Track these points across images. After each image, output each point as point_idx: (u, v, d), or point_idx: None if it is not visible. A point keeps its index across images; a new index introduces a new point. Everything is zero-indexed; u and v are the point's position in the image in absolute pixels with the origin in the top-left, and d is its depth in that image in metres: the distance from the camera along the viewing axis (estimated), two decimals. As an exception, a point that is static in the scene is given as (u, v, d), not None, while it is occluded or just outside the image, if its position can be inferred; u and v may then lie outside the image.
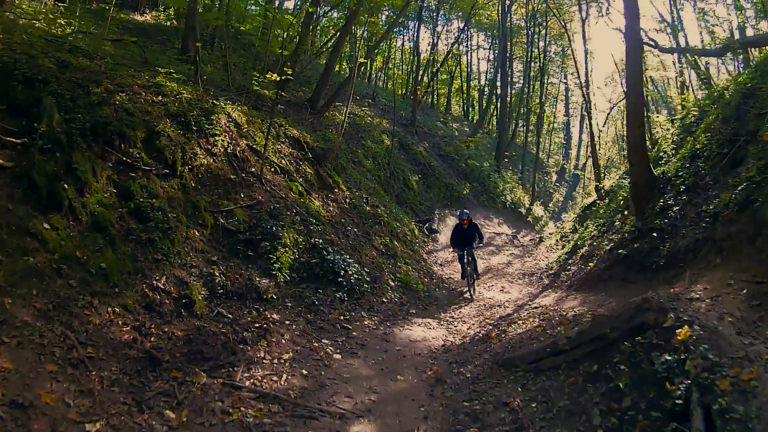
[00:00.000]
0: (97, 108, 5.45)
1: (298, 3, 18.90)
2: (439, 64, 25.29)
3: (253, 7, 14.67)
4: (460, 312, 7.15)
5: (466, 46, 31.89)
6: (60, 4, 9.07)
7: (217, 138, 6.46)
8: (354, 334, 5.48)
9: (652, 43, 12.25)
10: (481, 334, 5.77)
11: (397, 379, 4.52)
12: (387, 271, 7.57)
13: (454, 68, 30.72)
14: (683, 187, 6.14)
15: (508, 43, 23.90)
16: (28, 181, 4.50)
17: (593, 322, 4.20)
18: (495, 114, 28.50)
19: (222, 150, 6.45)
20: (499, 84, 24.12)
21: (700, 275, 4.23)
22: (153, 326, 4.39)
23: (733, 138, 6.00)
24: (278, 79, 7.03)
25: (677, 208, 5.84)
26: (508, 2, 23.13)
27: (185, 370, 3.90)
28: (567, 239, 11.19)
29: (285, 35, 10.67)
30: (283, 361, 4.40)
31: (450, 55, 27.17)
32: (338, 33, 14.19)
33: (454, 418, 3.74)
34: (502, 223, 17.03)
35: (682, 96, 12.26)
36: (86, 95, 5.48)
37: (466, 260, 8.01)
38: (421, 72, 23.42)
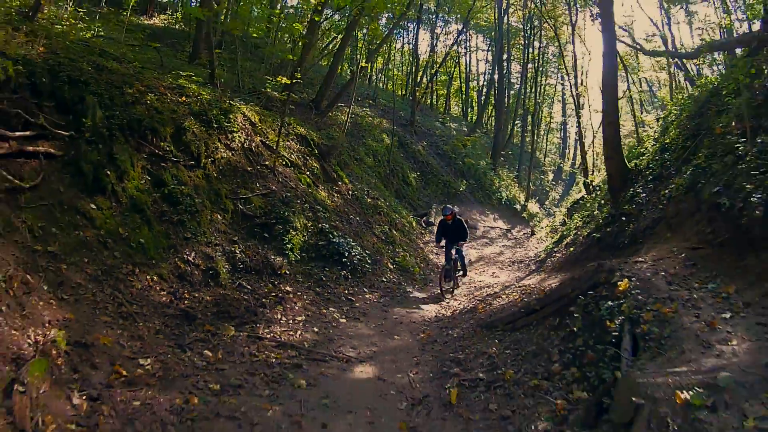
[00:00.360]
0: (131, 106, 6.20)
1: (300, 5, 19.64)
2: (437, 66, 26.04)
3: (257, 12, 15.37)
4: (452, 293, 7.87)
5: (465, 48, 32.68)
6: (79, 9, 9.82)
7: (234, 134, 7.22)
8: (357, 305, 6.22)
9: (637, 46, 13.00)
10: (469, 307, 6.51)
11: (395, 339, 5.26)
12: (386, 256, 8.31)
13: (452, 69, 31.45)
14: (651, 177, 6.88)
15: (505, 46, 24.66)
16: (75, 168, 5.26)
17: (559, 285, 4.94)
18: (493, 114, 29.24)
19: (239, 145, 7.21)
20: (496, 85, 24.81)
21: (653, 247, 4.96)
22: (185, 292, 5.13)
23: (695, 132, 6.74)
24: (288, 82, 7.79)
25: (644, 194, 6.58)
26: (504, 5, 23.97)
27: (216, 325, 4.64)
28: (556, 231, 11.92)
29: (292, 42, 11.39)
30: (296, 321, 5.14)
31: (448, 57, 27.91)
32: (340, 36, 14.94)
33: (441, 364, 4.47)
34: (497, 218, 17.75)
35: (665, 96, 13.00)
36: (121, 95, 6.22)
37: (451, 261, 7.79)
38: (420, 74, 24.19)
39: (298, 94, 13.15)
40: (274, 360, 4.15)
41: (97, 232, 4.99)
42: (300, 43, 11.55)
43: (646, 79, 20.58)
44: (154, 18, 15.65)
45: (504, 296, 6.65)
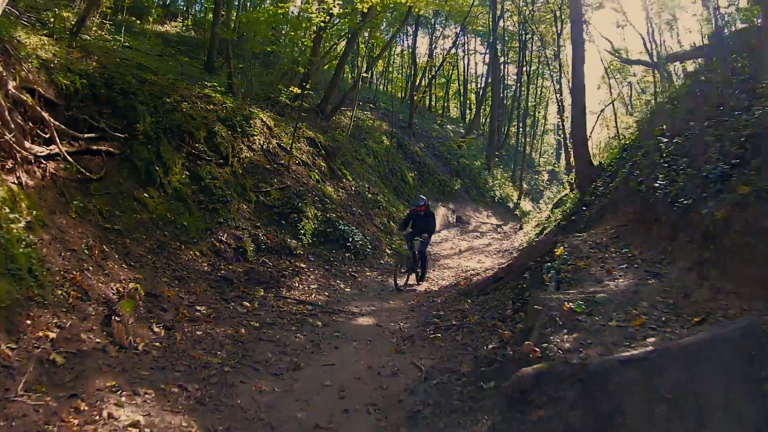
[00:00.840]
0: (171, 113, 7.47)
1: (305, 14, 20.89)
2: (436, 69, 27.31)
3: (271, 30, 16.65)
4: (441, 275, 9.14)
5: (464, 51, 33.96)
6: (106, 22, 11.05)
7: (255, 137, 8.51)
8: (359, 280, 7.50)
9: (616, 55, 14.27)
10: (453, 283, 7.78)
11: (390, 303, 6.54)
12: (384, 243, 9.58)
13: (450, 72, 32.69)
14: (609, 173, 8.13)
15: (499, 50, 25.94)
16: (131, 164, 6.54)
17: (519, 256, 6.20)
18: (490, 116, 30.49)
19: (259, 146, 8.50)
20: (490, 89, 26.08)
21: (596, 227, 6.22)
22: (221, 264, 6.41)
23: (647, 134, 7.99)
24: (299, 92, 9.09)
25: (602, 187, 7.84)
26: (499, 12, 25.26)
27: (248, 288, 5.92)
28: (540, 225, 13.17)
29: (300, 53, 12.68)
30: (310, 288, 6.42)
31: (446, 61, 29.15)
32: (344, 41, 16.23)
33: (426, 318, 5.74)
34: (490, 215, 19.02)
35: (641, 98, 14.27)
36: (162, 104, 7.49)
37: (415, 250, 7.59)
38: (418, 78, 25.48)
39: (306, 99, 14.45)
40: (296, 311, 5.43)
41: (150, 215, 6.27)
42: (307, 54, 12.85)
43: (630, 83, 21.85)
44: (166, 25, 16.90)
45: (483, 273, 7.91)
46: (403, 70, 32.45)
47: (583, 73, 9.24)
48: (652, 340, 2.96)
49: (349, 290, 6.85)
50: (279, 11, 10.31)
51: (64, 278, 4.28)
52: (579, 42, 9.18)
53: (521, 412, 2.47)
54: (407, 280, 7.59)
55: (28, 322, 3.67)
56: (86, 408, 2.97)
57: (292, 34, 11.89)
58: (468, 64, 35.39)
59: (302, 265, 7.20)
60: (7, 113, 4.72)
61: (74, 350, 3.60)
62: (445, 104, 33.55)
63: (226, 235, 6.86)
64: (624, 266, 4.38)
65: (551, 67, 30.62)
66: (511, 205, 21.35)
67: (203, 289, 5.53)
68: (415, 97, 22.75)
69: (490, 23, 26.13)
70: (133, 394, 3.22)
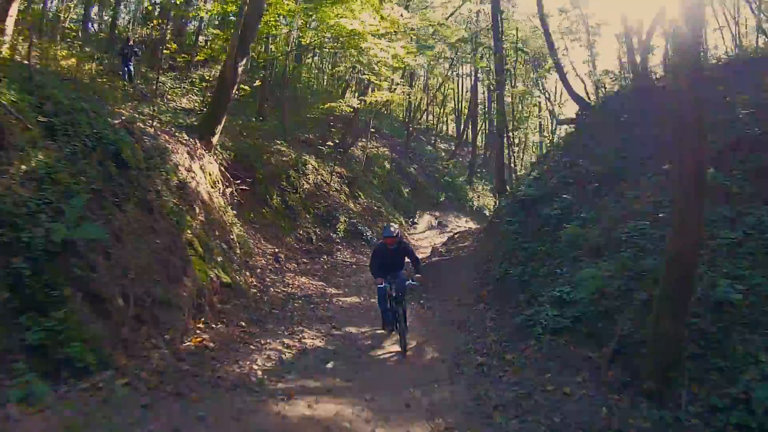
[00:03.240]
0: (267, 165, 14.12)
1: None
2: (433, 91, 33.64)
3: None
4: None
5: (458, 74, 40.49)
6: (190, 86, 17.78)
7: (308, 176, 15.17)
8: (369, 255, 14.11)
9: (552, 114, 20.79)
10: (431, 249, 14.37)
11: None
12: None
13: (445, 93, 39.07)
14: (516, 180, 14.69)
15: (479, 81, 32.48)
16: (255, 195, 13.24)
17: (458, 234, 12.82)
18: (484, 133, 36.95)
19: (311, 181, 15.17)
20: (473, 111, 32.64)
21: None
22: (301, 245, 13.01)
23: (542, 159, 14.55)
24: (336, 142, 15.75)
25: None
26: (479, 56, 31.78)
27: (315, 256, 12.54)
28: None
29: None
30: (345, 257, 13.06)
31: (442, 85, 35.59)
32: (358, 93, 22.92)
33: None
34: (468, 221, 25.51)
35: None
36: (263, 161, 14.14)
37: (389, 301, 6.33)
38: (414, 106, 31.99)
39: (331, 137, 21.16)
40: (342, 263, 12.06)
41: (268, 221, 12.95)
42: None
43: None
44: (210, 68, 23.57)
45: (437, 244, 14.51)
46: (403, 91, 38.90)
47: (503, 99, 15.83)
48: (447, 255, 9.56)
49: (365, 259, 13.42)
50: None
51: (253, 245, 10.90)
52: (501, 83, 15.75)
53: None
54: (403, 343, 6.21)
55: (250, 262, 10.28)
56: (288, 279, 9.59)
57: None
58: (463, 84, 41.91)
59: (339, 247, 13.81)
60: (218, 171, 11.39)
61: (270, 268, 10.23)
62: (442, 121, 40.08)
63: (301, 230, 13.51)
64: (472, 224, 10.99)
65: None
66: (487, 213, 27.84)
67: (299, 255, 12.16)
68: (411, 127, 29.42)
69: (470, 52, 32.71)
70: (294, 275, 9.85)
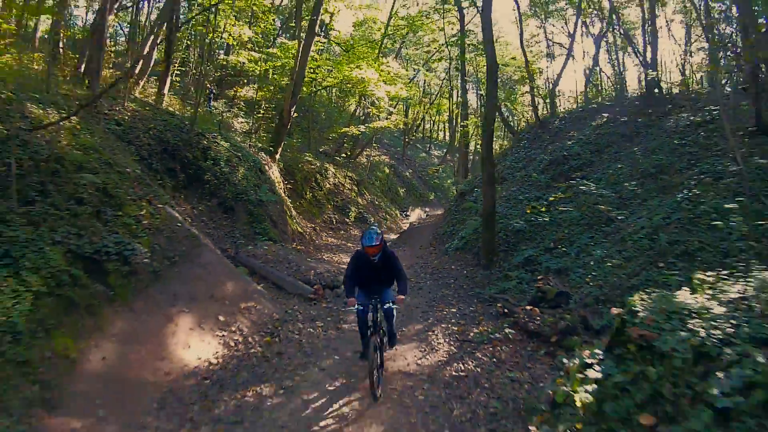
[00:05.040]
0: (302, 171, 20.97)
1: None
2: (430, 102, 40.54)
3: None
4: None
5: (450, 86, 47.30)
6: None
7: (329, 178, 22.04)
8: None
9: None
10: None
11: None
12: (382, 223, 22.99)
13: (440, 102, 45.91)
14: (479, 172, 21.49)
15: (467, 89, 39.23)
16: (296, 192, 20.18)
17: (430, 215, 19.62)
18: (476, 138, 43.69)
19: (332, 182, 22.05)
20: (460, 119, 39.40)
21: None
22: (329, 224, 19.81)
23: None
24: (350, 153, 22.60)
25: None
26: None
27: (338, 231, 19.36)
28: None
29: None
30: (354, 232, 19.89)
31: (438, 97, 42.47)
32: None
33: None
34: (453, 214, 32.29)
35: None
36: (299, 166, 20.99)
37: (370, 324, 5.11)
38: (410, 121, 38.84)
39: (344, 151, 28.02)
40: (352, 236, 18.90)
41: (305, 208, 19.86)
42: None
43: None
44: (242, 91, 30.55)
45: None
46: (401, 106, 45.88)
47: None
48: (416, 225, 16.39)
49: (370, 235, 20.24)
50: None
51: (299, 222, 17.76)
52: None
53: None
54: (373, 381, 4.86)
55: (299, 230, 17.12)
56: (322, 239, 16.46)
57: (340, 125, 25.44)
58: (452, 97, 48.74)
59: (350, 227, 20.62)
60: (279, 174, 18.31)
61: (313, 227, 17.10)
62: (436, 128, 46.99)
63: (326, 215, 20.38)
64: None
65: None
66: (469, 208, 34.58)
67: (329, 229, 19.01)
68: (407, 138, 36.29)
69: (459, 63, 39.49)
70: (325, 234, 16.71)
